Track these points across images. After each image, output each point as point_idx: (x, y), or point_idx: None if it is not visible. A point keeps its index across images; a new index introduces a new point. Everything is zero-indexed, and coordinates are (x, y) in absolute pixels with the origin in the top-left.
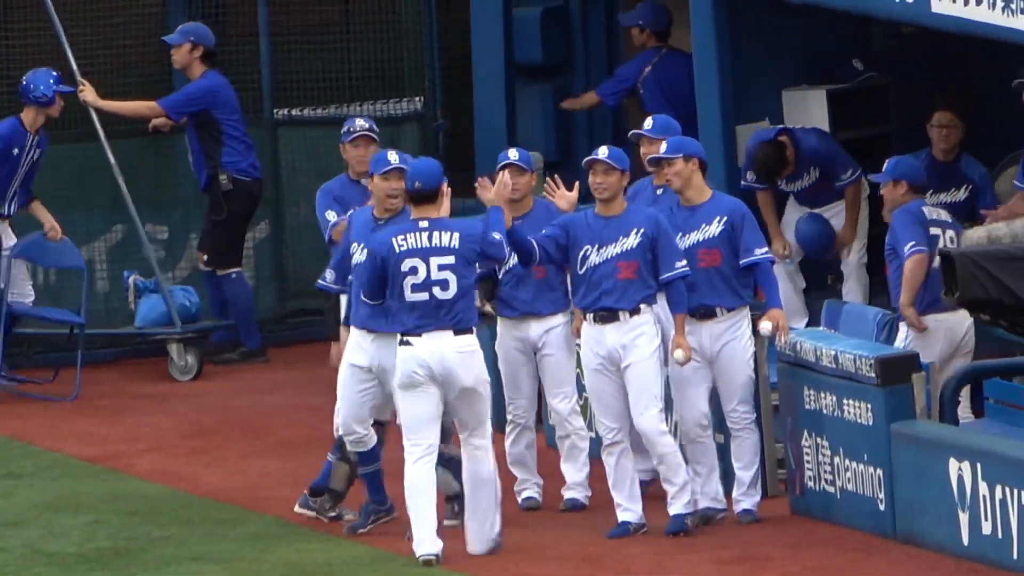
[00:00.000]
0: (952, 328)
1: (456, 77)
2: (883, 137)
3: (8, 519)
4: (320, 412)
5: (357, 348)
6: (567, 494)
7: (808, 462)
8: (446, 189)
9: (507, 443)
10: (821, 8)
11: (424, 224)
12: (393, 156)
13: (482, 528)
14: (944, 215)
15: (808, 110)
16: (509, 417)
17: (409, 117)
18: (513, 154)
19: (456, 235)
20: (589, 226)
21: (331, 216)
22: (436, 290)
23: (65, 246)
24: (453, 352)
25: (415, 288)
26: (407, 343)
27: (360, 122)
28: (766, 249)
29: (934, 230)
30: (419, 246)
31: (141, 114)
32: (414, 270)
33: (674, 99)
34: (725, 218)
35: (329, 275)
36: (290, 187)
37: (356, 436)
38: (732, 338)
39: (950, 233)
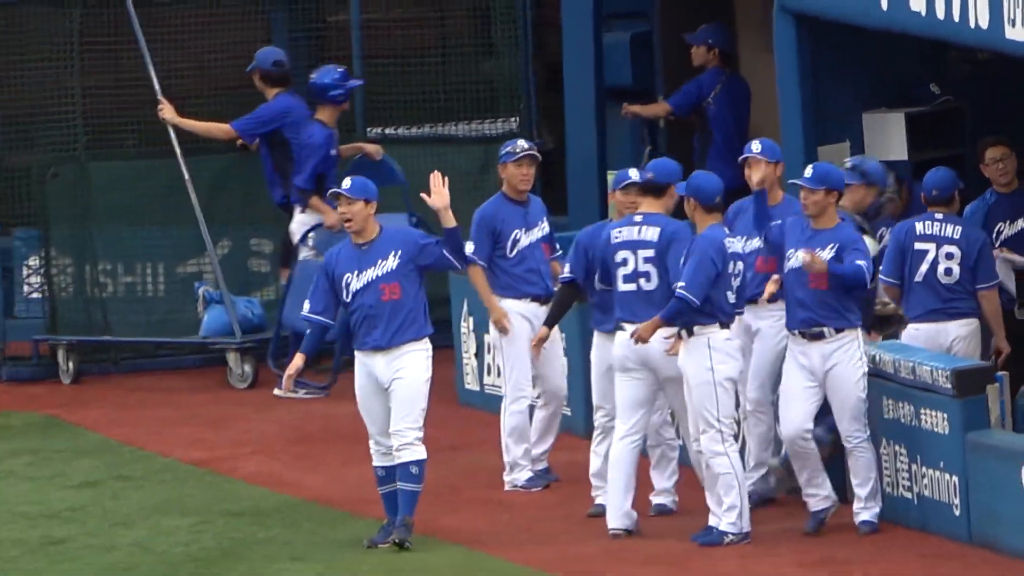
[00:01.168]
0: (932, 338)
1: (549, 99)
2: (958, 159)
3: (118, 520)
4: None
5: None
6: (655, 500)
7: (887, 469)
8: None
9: (594, 448)
10: (899, 34)
11: (638, 218)
12: (634, 172)
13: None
14: (939, 229)
15: (887, 132)
16: (598, 425)
17: (503, 136)
18: (634, 174)
19: (657, 230)
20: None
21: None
22: (642, 281)
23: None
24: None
25: (625, 279)
26: (622, 329)
27: (522, 143)
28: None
29: (923, 245)
30: (630, 239)
31: (214, 135)
32: (624, 262)
33: (739, 118)
34: (837, 245)
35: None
36: (382, 202)
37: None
38: (841, 360)
39: (945, 249)
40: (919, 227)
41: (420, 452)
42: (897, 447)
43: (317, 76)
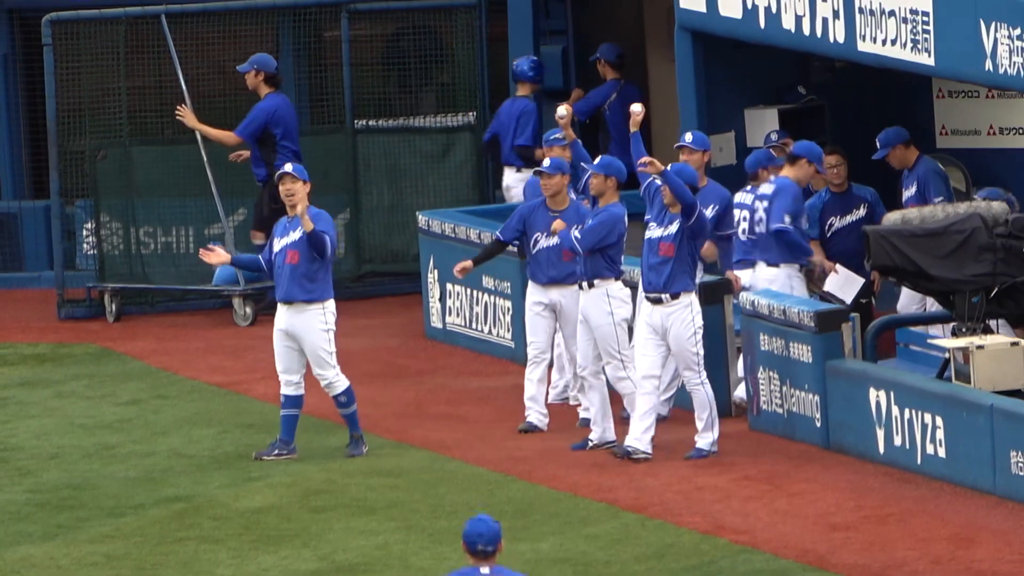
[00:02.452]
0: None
1: (498, 97)
2: (820, 145)
3: (157, 430)
4: (394, 351)
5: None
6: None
7: (763, 391)
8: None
9: (528, 375)
10: (772, 46)
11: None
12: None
13: None
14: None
15: (764, 124)
16: (530, 356)
17: (463, 128)
18: (545, 161)
19: None
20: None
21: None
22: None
23: None
24: None
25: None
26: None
27: (546, 162)
28: None
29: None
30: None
31: (222, 140)
32: None
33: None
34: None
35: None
36: (365, 180)
37: None
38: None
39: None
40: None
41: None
42: (771, 373)
43: (517, 64)
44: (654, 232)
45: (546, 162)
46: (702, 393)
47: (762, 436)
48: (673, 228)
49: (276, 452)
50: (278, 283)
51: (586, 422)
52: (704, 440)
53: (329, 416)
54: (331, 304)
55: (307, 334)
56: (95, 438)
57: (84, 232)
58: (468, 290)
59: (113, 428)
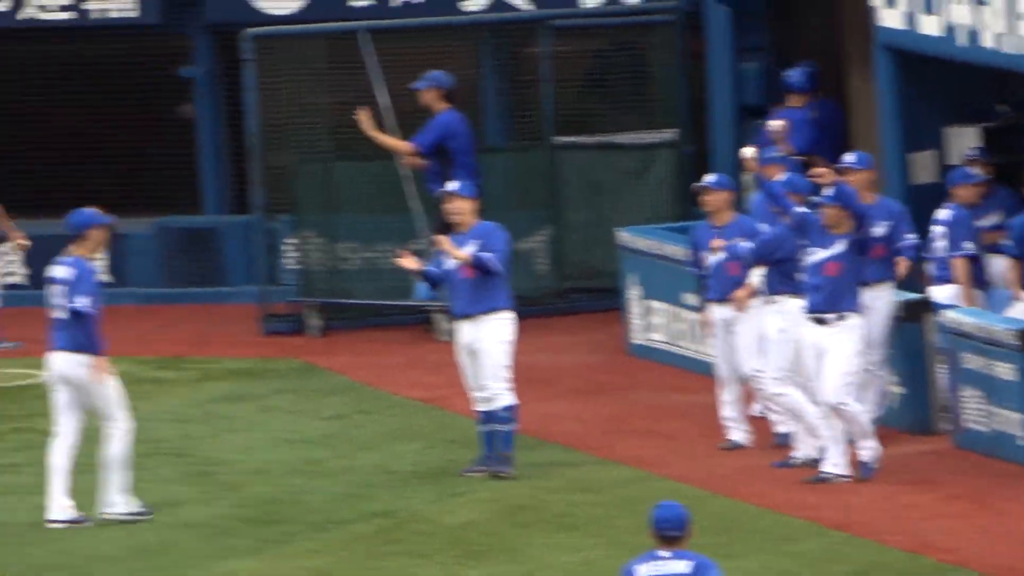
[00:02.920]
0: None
1: (698, 114)
2: (1019, 164)
3: (360, 445)
4: (595, 367)
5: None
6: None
7: (966, 409)
8: None
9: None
10: (973, 64)
11: None
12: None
13: None
14: None
15: (964, 142)
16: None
17: (663, 144)
18: (711, 177)
19: None
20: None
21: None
22: None
23: None
24: None
25: None
26: None
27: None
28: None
29: None
30: None
31: (397, 149)
32: None
33: (831, 136)
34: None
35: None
36: (564, 196)
37: None
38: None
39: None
40: None
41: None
42: (974, 391)
43: (790, 75)
44: (818, 255)
45: (710, 177)
46: (849, 413)
47: (966, 454)
48: (838, 248)
49: (481, 468)
50: (455, 298)
51: (784, 438)
52: (828, 463)
53: (532, 431)
54: (509, 315)
55: (486, 345)
56: (299, 453)
57: (285, 247)
58: (671, 306)
59: (317, 443)
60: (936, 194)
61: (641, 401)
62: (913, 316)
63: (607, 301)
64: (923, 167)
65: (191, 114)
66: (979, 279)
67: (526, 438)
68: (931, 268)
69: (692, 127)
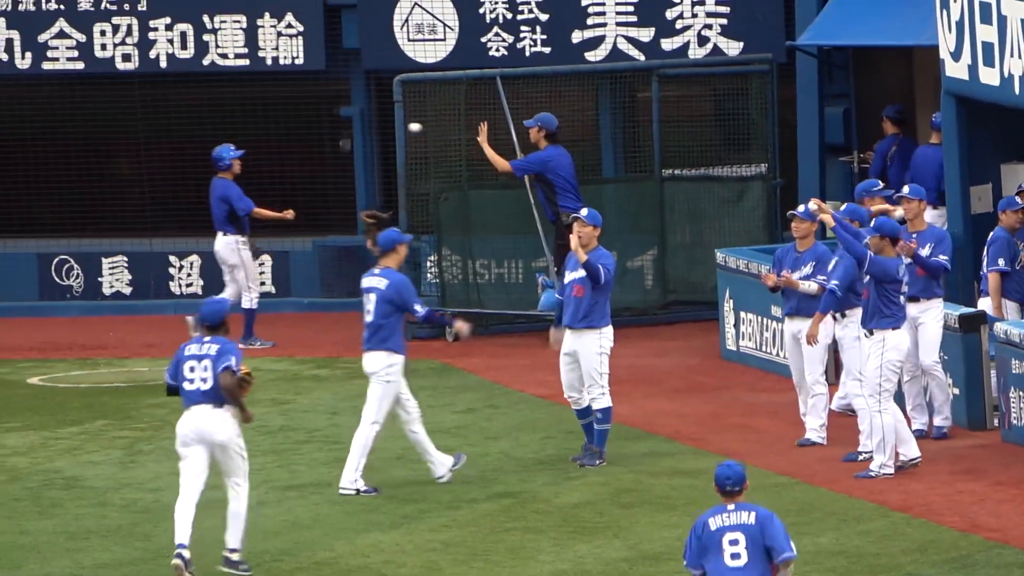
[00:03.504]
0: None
1: (787, 151)
2: None
3: (490, 435)
4: (694, 369)
5: None
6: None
7: (1014, 408)
8: None
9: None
10: None
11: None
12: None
13: None
14: None
15: (1017, 178)
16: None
17: (755, 177)
18: (801, 208)
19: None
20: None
21: None
22: None
23: None
24: None
25: None
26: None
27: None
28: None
29: None
30: None
31: (496, 164)
32: None
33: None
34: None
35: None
36: (670, 222)
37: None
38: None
39: None
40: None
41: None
42: (1020, 393)
43: (936, 117)
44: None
45: (800, 208)
46: (879, 420)
47: (1013, 448)
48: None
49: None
50: (565, 311)
51: (807, 441)
52: (874, 463)
53: (637, 424)
54: (608, 331)
55: (585, 354)
56: (436, 441)
57: (428, 264)
58: (759, 317)
59: (451, 433)
60: (992, 222)
61: (734, 400)
62: (970, 327)
63: (705, 312)
64: (981, 199)
65: (349, 148)
66: (1018, 293)
67: (632, 430)
68: (982, 284)
69: (781, 162)
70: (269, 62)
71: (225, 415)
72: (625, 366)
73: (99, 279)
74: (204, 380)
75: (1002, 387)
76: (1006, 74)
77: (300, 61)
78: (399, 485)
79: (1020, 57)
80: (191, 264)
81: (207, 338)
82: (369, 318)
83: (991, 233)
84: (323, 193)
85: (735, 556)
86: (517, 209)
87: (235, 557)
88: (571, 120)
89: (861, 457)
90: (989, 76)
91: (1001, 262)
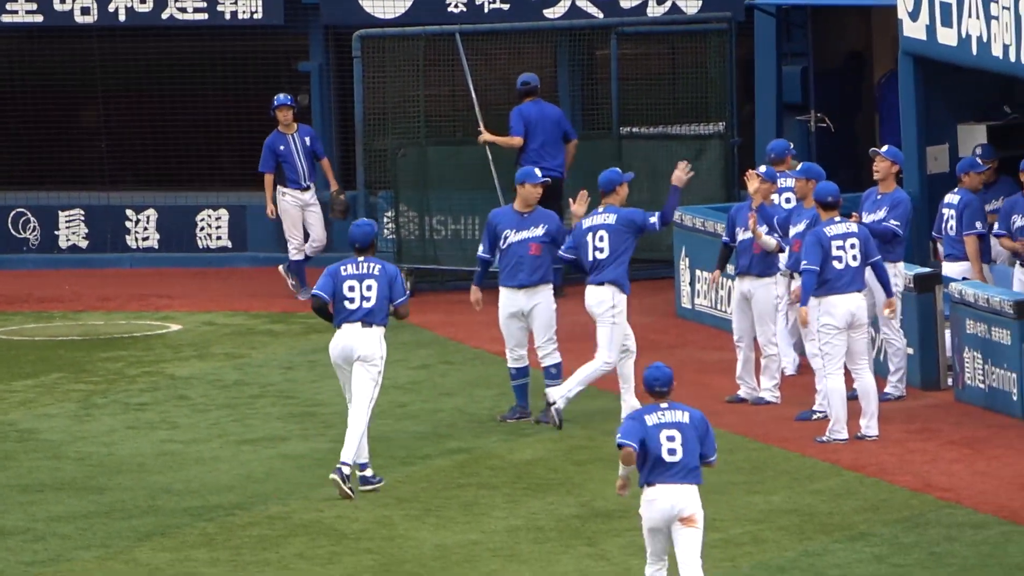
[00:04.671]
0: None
1: (746, 110)
2: (1022, 157)
3: (444, 391)
4: (649, 327)
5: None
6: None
7: (967, 368)
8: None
9: None
10: (982, 69)
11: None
12: (538, 171)
13: None
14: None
15: (973, 138)
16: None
17: (713, 135)
18: (762, 168)
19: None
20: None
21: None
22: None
23: None
24: None
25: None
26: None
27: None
28: None
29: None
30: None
31: (508, 143)
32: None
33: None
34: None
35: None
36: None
37: None
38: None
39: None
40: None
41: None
42: (975, 353)
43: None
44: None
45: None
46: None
47: (966, 407)
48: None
49: (517, 416)
50: (516, 271)
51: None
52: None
53: (592, 382)
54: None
55: (543, 310)
56: (390, 397)
57: (385, 219)
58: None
59: (406, 389)
60: (948, 182)
61: (688, 358)
62: (924, 287)
63: (661, 270)
64: (937, 159)
65: (306, 103)
66: (986, 256)
67: (586, 388)
68: (944, 246)
69: (739, 121)
70: (228, 16)
71: (375, 335)
72: (580, 323)
73: (55, 232)
74: (366, 299)
75: (956, 347)
76: (964, 34)
77: (259, 16)
78: None
79: (978, 17)
80: (147, 218)
81: (361, 258)
82: (602, 255)
83: (956, 197)
84: None
85: (671, 452)
86: (474, 165)
87: (346, 470)
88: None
89: (815, 416)
90: (947, 36)
91: (979, 225)
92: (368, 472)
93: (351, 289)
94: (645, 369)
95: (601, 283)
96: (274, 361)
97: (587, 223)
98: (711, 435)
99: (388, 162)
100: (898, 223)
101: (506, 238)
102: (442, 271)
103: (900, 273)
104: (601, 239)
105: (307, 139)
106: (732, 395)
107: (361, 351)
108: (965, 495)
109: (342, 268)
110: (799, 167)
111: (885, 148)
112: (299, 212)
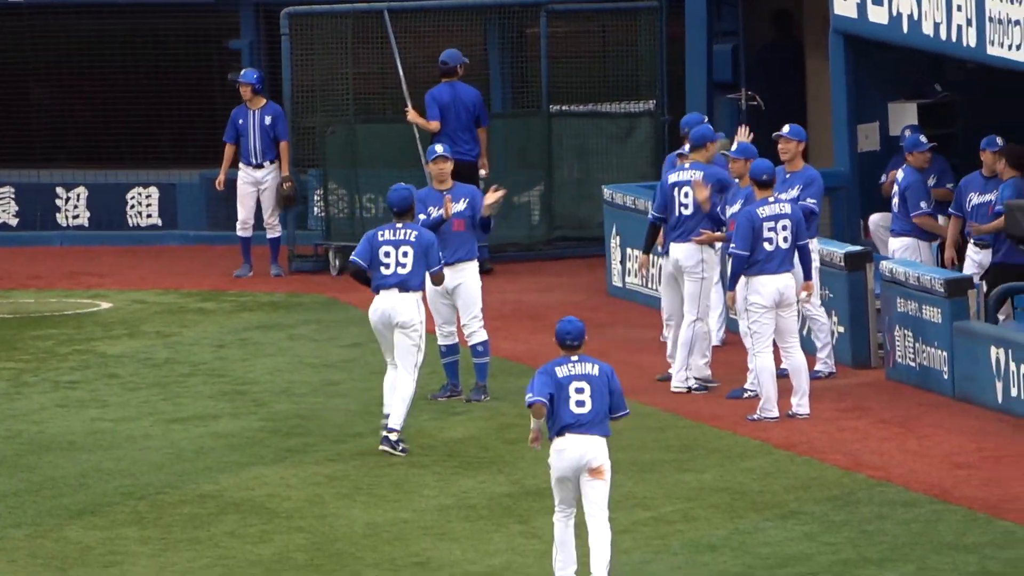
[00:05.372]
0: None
1: (675, 88)
2: (952, 135)
3: (375, 369)
4: (580, 305)
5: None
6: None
7: (898, 346)
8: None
9: None
10: (913, 48)
11: None
12: (439, 147)
13: None
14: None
15: (904, 116)
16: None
17: (643, 113)
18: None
19: None
20: None
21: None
22: None
23: None
24: None
25: None
26: None
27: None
28: None
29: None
30: None
31: (427, 127)
32: None
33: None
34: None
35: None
36: (557, 157)
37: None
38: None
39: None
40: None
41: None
42: (906, 331)
43: None
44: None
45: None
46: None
47: (897, 386)
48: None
49: (448, 395)
50: (442, 247)
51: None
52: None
53: (521, 359)
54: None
55: (469, 286)
56: (321, 375)
57: (315, 198)
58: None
59: (337, 367)
60: (878, 160)
61: (619, 336)
62: (855, 266)
63: (592, 248)
64: (868, 137)
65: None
66: (927, 234)
67: (517, 365)
68: (892, 223)
69: (670, 99)
70: None
71: (412, 300)
72: (510, 301)
73: None
74: (402, 265)
75: (887, 325)
76: (895, 12)
77: None
78: (284, 418)
79: None
80: (78, 196)
81: (399, 224)
82: (688, 211)
83: (902, 175)
84: (211, 126)
85: (580, 404)
86: (404, 143)
87: (393, 437)
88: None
89: (746, 395)
90: (878, 14)
91: (924, 205)
92: (395, 436)
93: (387, 255)
94: (557, 323)
95: (688, 240)
96: (205, 339)
97: (672, 178)
98: (620, 388)
99: (317, 140)
100: (815, 201)
101: (429, 215)
102: None
103: (815, 249)
104: (687, 195)
105: (267, 118)
106: (663, 373)
107: (399, 317)
108: (896, 473)
109: (379, 233)
110: (734, 147)
111: (787, 129)
112: (249, 189)
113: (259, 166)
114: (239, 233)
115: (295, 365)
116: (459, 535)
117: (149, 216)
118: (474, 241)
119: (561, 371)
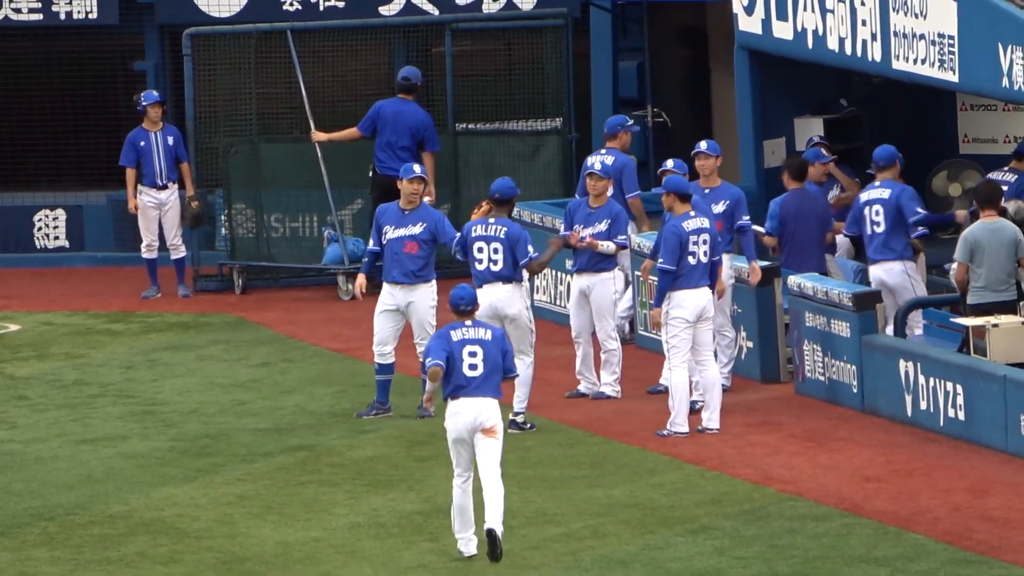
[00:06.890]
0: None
1: (582, 105)
2: (857, 150)
3: (284, 389)
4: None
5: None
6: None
7: (807, 360)
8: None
9: None
10: (818, 64)
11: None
12: (416, 168)
13: None
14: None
15: (810, 131)
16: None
17: (550, 131)
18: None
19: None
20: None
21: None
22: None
23: None
24: None
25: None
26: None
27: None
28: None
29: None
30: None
31: (352, 137)
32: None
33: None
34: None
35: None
36: (464, 175)
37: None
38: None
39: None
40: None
41: None
42: (815, 345)
43: None
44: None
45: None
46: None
47: (806, 400)
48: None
49: (375, 412)
50: (394, 266)
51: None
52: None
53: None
54: (435, 284)
55: (420, 307)
56: (230, 395)
57: (222, 218)
58: (553, 271)
59: (246, 387)
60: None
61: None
62: (763, 281)
63: None
64: (775, 152)
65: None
66: (831, 248)
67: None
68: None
69: (576, 117)
70: (63, 16)
71: (516, 291)
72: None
73: None
74: (494, 261)
75: (796, 340)
76: (799, 28)
77: (94, 15)
78: (193, 438)
79: (813, 11)
80: None
81: (492, 220)
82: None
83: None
84: (118, 148)
85: (472, 367)
86: (309, 163)
87: (519, 419)
88: (364, 75)
89: (661, 387)
90: (782, 30)
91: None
92: (520, 418)
93: (479, 250)
94: (452, 289)
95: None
96: (113, 360)
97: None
98: (511, 351)
99: (220, 160)
100: (748, 217)
101: (385, 234)
102: (276, 268)
103: (729, 264)
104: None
105: (170, 139)
106: (572, 390)
107: (508, 311)
108: (806, 487)
109: (472, 228)
110: (671, 163)
111: (704, 145)
112: (154, 212)
113: (163, 187)
114: (144, 255)
115: (204, 385)
116: (369, 553)
117: (56, 238)
118: (430, 263)
119: (456, 335)
